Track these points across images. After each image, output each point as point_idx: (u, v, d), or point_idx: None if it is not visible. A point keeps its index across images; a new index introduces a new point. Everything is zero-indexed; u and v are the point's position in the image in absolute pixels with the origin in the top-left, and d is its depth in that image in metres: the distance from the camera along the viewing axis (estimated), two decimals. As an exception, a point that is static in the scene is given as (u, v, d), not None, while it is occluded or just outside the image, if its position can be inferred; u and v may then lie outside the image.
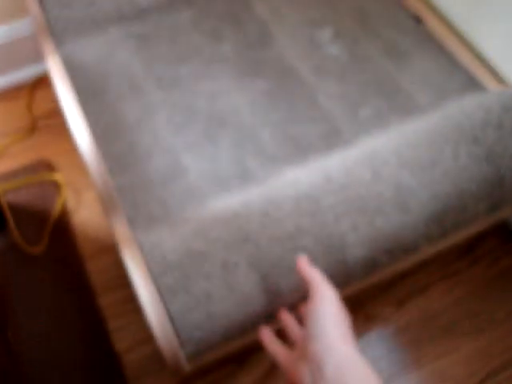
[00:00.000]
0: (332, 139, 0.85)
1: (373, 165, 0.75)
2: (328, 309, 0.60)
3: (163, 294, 0.65)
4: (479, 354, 0.93)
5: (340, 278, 0.71)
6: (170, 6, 0.99)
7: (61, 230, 1.04)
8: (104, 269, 1.02)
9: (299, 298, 0.70)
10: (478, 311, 0.98)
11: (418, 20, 1.01)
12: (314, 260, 0.69)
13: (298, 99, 0.90)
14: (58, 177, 1.08)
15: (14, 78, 1.14)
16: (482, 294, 1.00)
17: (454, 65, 0.95)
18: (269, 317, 0.69)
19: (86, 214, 1.07)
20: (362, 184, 0.73)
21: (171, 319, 0.65)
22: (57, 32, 0.94)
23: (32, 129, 1.12)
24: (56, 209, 1.05)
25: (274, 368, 0.93)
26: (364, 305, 0.97)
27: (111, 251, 1.03)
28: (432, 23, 1.00)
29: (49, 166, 1.09)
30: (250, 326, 0.68)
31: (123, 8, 0.97)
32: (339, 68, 0.94)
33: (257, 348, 0.91)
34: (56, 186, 1.08)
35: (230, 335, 0.68)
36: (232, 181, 0.81)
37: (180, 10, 1.00)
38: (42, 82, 1.17)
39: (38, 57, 1.08)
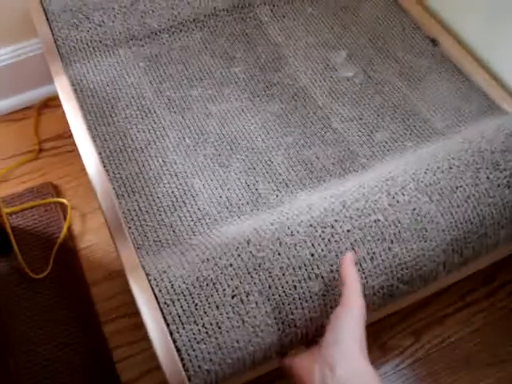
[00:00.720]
0: (347, 163, 0.83)
1: (390, 190, 0.72)
2: (353, 320, 0.59)
3: (170, 323, 0.62)
4: (502, 386, 0.89)
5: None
6: (180, 28, 0.98)
7: (66, 254, 1.01)
8: (109, 296, 0.99)
9: (314, 330, 0.66)
10: (498, 342, 0.93)
11: (433, 42, 0.99)
12: (330, 289, 0.66)
13: (312, 122, 0.88)
14: (64, 201, 1.05)
15: (21, 99, 1.13)
16: (501, 324, 0.95)
17: (471, 88, 0.92)
18: (282, 348, 0.66)
19: (91, 239, 1.05)
20: (379, 210, 0.70)
21: (178, 350, 0.61)
22: (65, 53, 0.93)
23: (38, 151, 1.10)
24: (61, 233, 1.03)
25: None
26: (380, 336, 0.93)
27: (117, 278, 1.00)
28: (448, 46, 0.98)
29: (54, 190, 1.06)
30: (261, 358, 0.65)
31: (133, 29, 0.96)
32: (353, 91, 0.92)
33: (275, 377, 0.89)
34: (61, 210, 1.05)
35: (240, 368, 0.64)
36: (243, 206, 0.78)
37: (191, 32, 0.98)
38: (49, 105, 1.16)
39: (45, 78, 1.06)
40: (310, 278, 0.65)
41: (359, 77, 0.94)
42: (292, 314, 0.64)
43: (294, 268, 0.65)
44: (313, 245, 0.67)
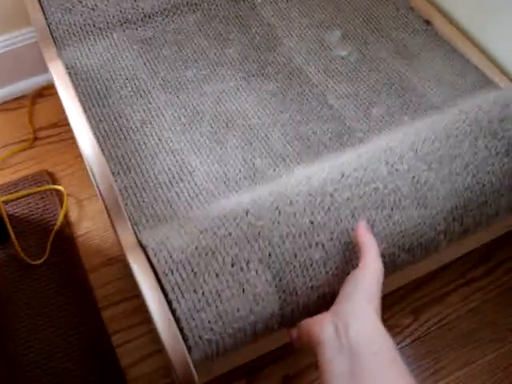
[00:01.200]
0: (344, 138, 0.82)
1: (389, 160, 0.72)
2: (368, 280, 0.58)
3: (169, 293, 0.61)
4: (502, 362, 0.88)
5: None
6: (174, 11, 0.98)
7: (63, 241, 1.00)
8: (107, 281, 0.98)
9: (315, 299, 0.65)
10: (497, 319, 0.93)
11: (427, 22, 0.99)
12: (331, 257, 0.65)
13: (307, 99, 0.87)
14: (60, 188, 1.04)
15: (15, 89, 1.13)
16: (499, 302, 0.95)
17: (465, 64, 0.92)
18: (283, 319, 0.65)
19: (88, 226, 1.04)
20: (378, 179, 0.69)
21: (178, 320, 0.60)
22: (58, 37, 0.92)
23: (33, 140, 1.09)
24: (58, 220, 1.02)
25: (285, 382, 0.88)
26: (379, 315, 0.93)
27: (115, 263, 1.00)
28: (441, 25, 0.97)
29: (50, 177, 1.06)
30: (263, 328, 0.64)
31: (126, 13, 0.95)
32: (349, 69, 0.91)
33: (267, 362, 0.88)
34: (57, 198, 1.04)
35: (241, 339, 0.63)
36: (240, 181, 0.77)
37: (185, 15, 0.98)
38: (43, 94, 1.15)
39: (39, 68, 1.07)
40: (310, 246, 0.65)
41: (354, 55, 0.94)
42: (293, 282, 0.64)
43: (293, 236, 0.65)
44: (312, 213, 0.66)
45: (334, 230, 0.66)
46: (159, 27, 0.96)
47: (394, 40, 0.96)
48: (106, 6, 0.94)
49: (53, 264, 0.97)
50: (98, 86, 0.87)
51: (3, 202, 1.00)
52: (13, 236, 0.95)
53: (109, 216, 0.76)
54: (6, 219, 0.95)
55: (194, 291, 0.61)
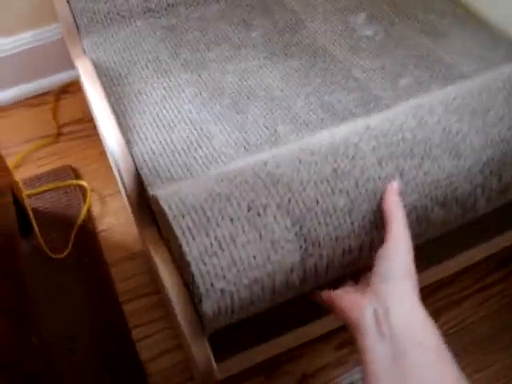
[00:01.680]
0: (370, 105, 0.78)
1: (417, 113, 0.67)
2: (401, 256, 0.55)
3: (179, 237, 0.56)
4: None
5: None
6: (198, 1, 0.98)
7: (85, 236, 0.99)
8: (128, 276, 0.95)
9: (340, 253, 0.60)
10: (514, 325, 0.88)
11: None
12: (356, 206, 0.60)
13: (332, 74, 0.85)
14: (83, 183, 1.03)
15: (40, 85, 1.14)
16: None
17: (496, 40, 0.88)
18: (305, 274, 0.59)
19: (110, 221, 1.02)
20: (407, 129, 0.65)
21: (188, 264, 0.55)
22: (82, 24, 0.93)
23: (57, 135, 1.09)
24: (81, 215, 1.00)
25: (304, 380, 0.82)
26: None
27: (136, 259, 0.97)
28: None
29: (73, 173, 1.05)
30: (283, 282, 0.58)
31: (150, 1, 0.96)
32: (375, 46, 0.89)
33: (285, 360, 0.84)
34: (81, 192, 1.03)
35: (257, 293, 0.58)
36: (261, 146, 0.74)
37: (208, 4, 0.98)
38: (68, 90, 1.16)
39: (64, 64, 1.08)
40: (333, 193, 0.60)
41: (380, 35, 0.91)
42: (315, 230, 0.58)
43: (315, 182, 0.60)
44: (335, 161, 0.62)
45: (360, 177, 0.61)
46: (182, 16, 0.96)
47: (422, 21, 0.93)
48: (129, -4, 0.95)
49: (75, 258, 0.96)
50: (120, 68, 0.87)
51: (27, 195, 0.99)
52: (36, 229, 0.93)
53: (132, 211, 0.74)
54: (30, 213, 0.93)
55: (206, 235, 0.56)
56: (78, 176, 1.05)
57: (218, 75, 0.86)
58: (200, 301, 0.56)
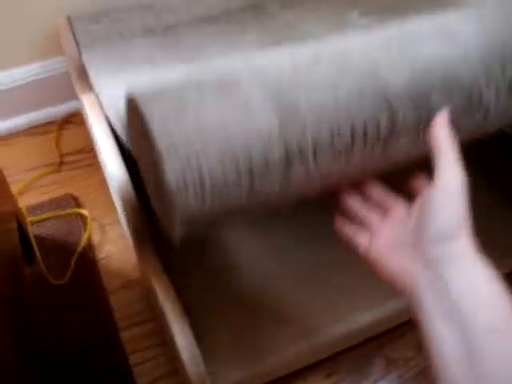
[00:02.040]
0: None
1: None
2: (453, 201, 0.47)
3: (139, 97, 0.51)
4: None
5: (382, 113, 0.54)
6: (196, 24, 1.01)
7: (85, 263, 0.94)
8: (127, 303, 0.90)
9: (328, 136, 0.52)
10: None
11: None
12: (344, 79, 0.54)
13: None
14: (84, 211, 0.99)
15: (44, 114, 1.15)
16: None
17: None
18: (287, 150, 0.51)
19: (110, 250, 0.97)
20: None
21: (147, 123, 0.48)
22: (83, 43, 0.96)
23: (59, 164, 1.08)
24: (81, 242, 0.95)
25: None
26: (384, 348, 0.84)
27: (134, 286, 0.92)
28: None
29: (75, 201, 1.02)
30: (260, 164, 0.50)
31: (150, 24, 0.99)
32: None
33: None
34: (81, 221, 0.99)
35: (229, 167, 0.49)
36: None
37: (205, 27, 1.01)
38: (71, 121, 1.17)
39: (68, 95, 1.09)
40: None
41: (375, 23, 0.91)
42: (296, 102, 0.52)
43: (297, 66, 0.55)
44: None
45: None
46: (179, 33, 0.99)
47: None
48: (129, 18, 0.99)
49: (75, 284, 0.91)
50: (113, 64, 0.88)
51: (29, 222, 0.96)
52: (38, 255, 0.89)
53: (132, 239, 0.72)
54: (33, 239, 0.90)
55: (170, 98, 0.50)
56: (79, 204, 1.02)
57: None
58: (164, 171, 0.48)
